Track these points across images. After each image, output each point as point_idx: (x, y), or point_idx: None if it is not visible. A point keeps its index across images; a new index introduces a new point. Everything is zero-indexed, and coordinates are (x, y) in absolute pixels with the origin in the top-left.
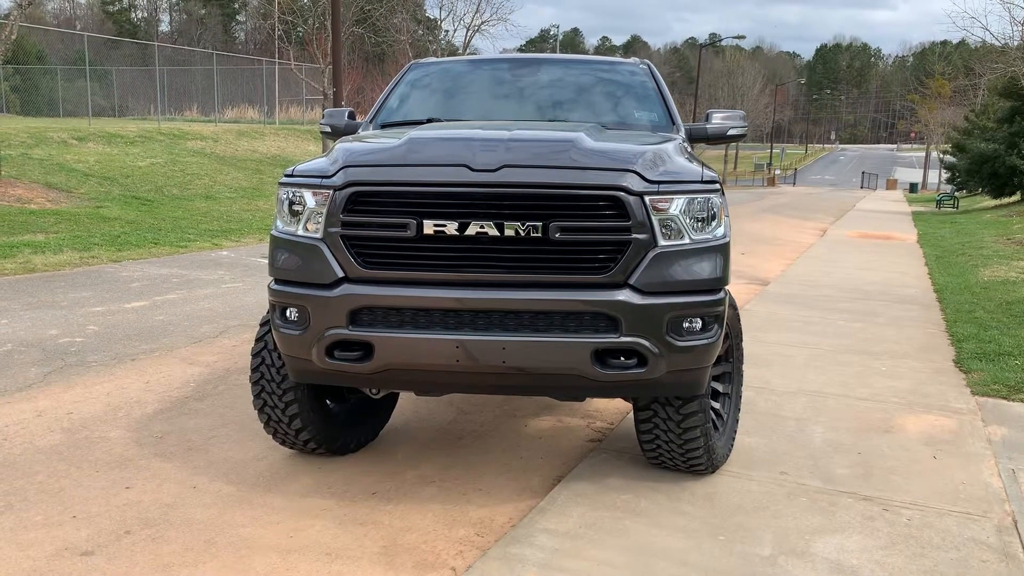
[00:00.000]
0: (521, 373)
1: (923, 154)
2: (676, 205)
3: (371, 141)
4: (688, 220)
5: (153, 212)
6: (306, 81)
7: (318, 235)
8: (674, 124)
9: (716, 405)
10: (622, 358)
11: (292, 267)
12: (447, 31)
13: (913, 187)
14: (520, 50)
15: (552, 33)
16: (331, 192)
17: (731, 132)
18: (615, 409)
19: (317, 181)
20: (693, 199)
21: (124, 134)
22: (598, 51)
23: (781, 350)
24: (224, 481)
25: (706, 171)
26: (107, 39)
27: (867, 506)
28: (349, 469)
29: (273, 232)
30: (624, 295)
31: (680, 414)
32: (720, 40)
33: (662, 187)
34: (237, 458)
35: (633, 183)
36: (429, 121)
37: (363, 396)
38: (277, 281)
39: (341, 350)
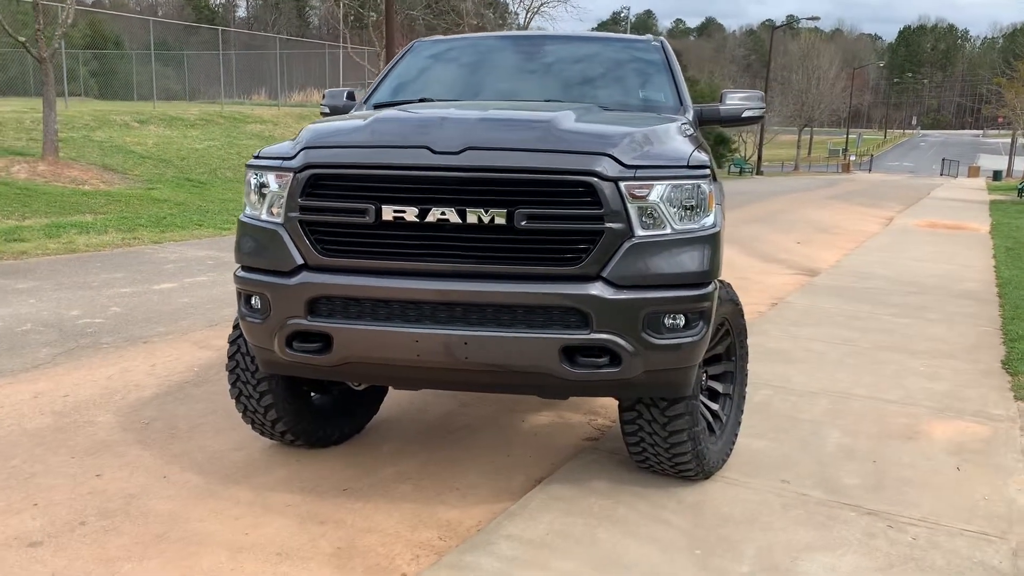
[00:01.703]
0: (485, 370)
1: (1009, 140)
2: (656, 192)
3: (338, 122)
4: (671, 208)
5: (203, 194)
6: (367, 66)
7: (279, 220)
8: (682, 105)
9: (714, 406)
10: (593, 356)
11: (255, 253)
12: (515, 13)
13: (997, 175)
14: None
15: (623, 15)
16: (291, 175)
17: (746, 114)
18: None
19: (279, 163)
20: (677, 185)
21: (185, 117)
22: (671, 34)
23: (814, 346)
24: (196, 471)
25: (696, 155)
26: (182, 24)
27: (870, 521)
28: (326, 463)
29: (240, 217)
30: (595, 289)
31: (665, 416)
32: (797, 22)
33: (639, 172)
34: (217, 448)
35: (607, 168)
36: (421, 101)
37: (347, 387)
38: (243, 268)
39: (300, 341)
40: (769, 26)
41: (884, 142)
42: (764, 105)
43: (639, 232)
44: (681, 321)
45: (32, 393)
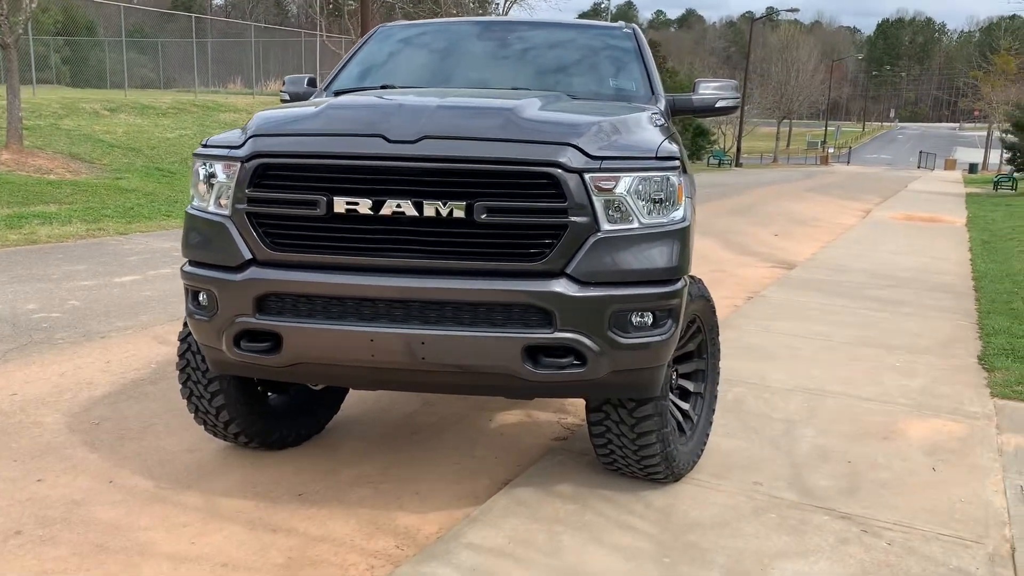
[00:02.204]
0: (444, 371)
1: (985, 133)
2: (623, 185)
3: (291, 109)
4: (638, 201)
5: (173, 184)
6: (341, 54)
7: (227, 212)
8: (653, 94)
9: (685, 406)
10: (557, 356)
11: (202, 247)
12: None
13: (973, 168)
14: None
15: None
16: (239, 164)
17: (720, 104)
18: None
19: (227, 152)
20: (645, 178)
21: (157, 105)
22: (651, 25)
23: (789, 341)
24: (145, 475)
25: (665, 146)
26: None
27: (844, 526)
28: (282, 466)
29: (187, 208)
30: (559, 286)
31: (633, 417)
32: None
33: (605, 164)
34: (169, 449)
35: (571, 159)
36: (383, 88)
37: (304, 387)
38: (190, 263)
39: (248, 340)
40: (749, 18)
41: (862, 134)
42: (739, 95)
43: (605, 226)
44: (649, 319)
45: None
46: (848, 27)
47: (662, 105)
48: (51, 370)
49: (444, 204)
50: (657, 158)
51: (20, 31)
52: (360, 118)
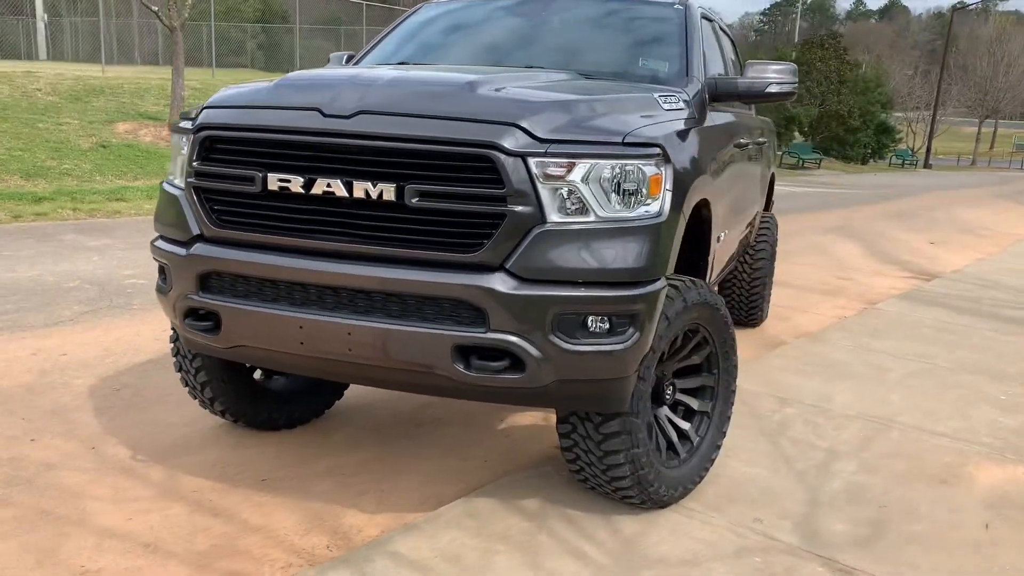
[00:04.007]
0: (372, 366)
1: None
2: (579, 172)
3: (253, 83)
4: (598, 191)
5: None
6: None
7: (182, 186)
8: (688, 75)
9: (684, 425)
10: (490, 359)
11: (163, 221)
12: None
13: None
14: (762, 15)
15: None
16: (192, 136)
17: (771, 90)
18: None
19: (188, 125)
20: (608, 165)
21: None
22: (849, 16)
23: (881, 361)
24: (128, 445)
25: (640, 131)
26: (355, 1)
27: None
28: (264, 448)
29: (162, 182)
30: (493, 281)
31: (599, 433)
32: (994, 4)
33: (554, 148)
34: (168, 421)
35: (512, 140)
36: (399, 65)
37: None
38: (158, 237)
39: (193, 319)
40: (958, 7)
41: None
42: (795, 80)
43: (553, 217)
44: (605, 325)
45: (34, 350)
46: None
47: (694, 88)
48: (111, 335)
49: (374, 185)
50: (624, 143)
51: (185, 15)
52: (305, 91)
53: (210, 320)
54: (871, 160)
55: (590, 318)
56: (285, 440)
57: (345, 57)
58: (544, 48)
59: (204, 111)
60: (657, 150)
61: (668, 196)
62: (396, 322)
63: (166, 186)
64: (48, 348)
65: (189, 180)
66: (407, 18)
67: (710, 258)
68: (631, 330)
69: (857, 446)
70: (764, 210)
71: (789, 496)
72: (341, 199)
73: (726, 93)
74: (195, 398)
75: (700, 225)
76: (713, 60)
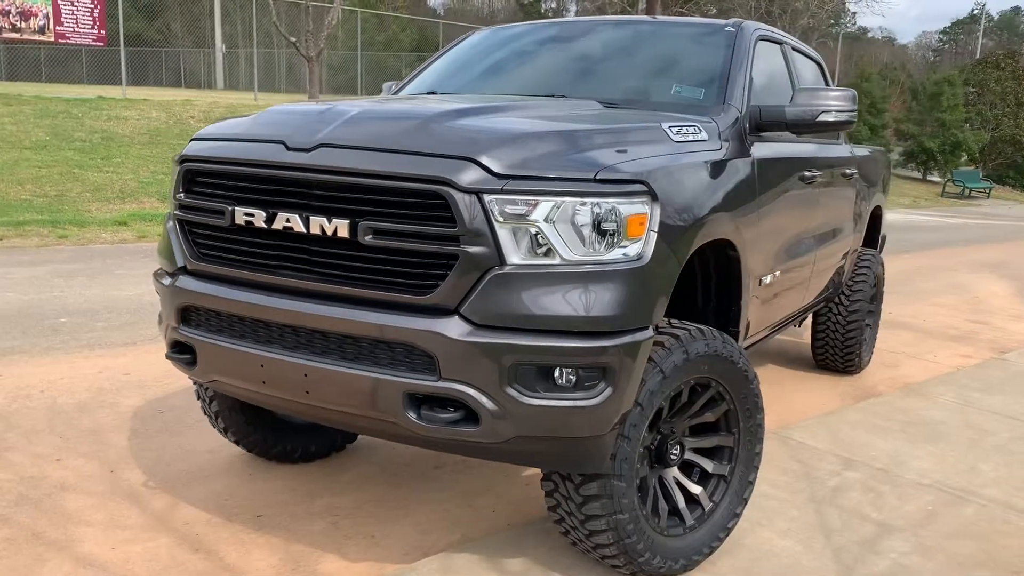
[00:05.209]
0: (330, 409)
1: None
2: (541, 210)
3: (246, 115)
4: (566, 232)
5: None
6: None
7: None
8: (724, 102)
9: (695, 489)
10: (441, 410)
11: (160, 251)
12: None
13: None
14: (942, 33)
15: (975, 13)
16: (177, 168)
17: (824, 118)
18: None
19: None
20: (575, 203)
21: None
22: None
23: (983, 422)
24: (144, 471)
25: (618, 166)
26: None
27: None
28: (272, 482)
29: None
30: (444, 326)
31: (579, 495)
32: None
33: (512, 184)
34: (193, 447)
35: (466, 176)
36: (428, 94)
37: None
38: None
39: (175, 352)
40: None
41: None
42: (854, 108)
43: (513, 259)
44: (572, 378)
45: (102, 368)
46: None
47: (729, 117)
48: None
49: (329, 221)
50: (597, 180)
51: (321, 46)
52: (273, 124)
53: (189, 353)
54: (1001, 184)
55: (556, 370)
56: (298, 473)
57: (394, 87)
58: (576, 76)
59: (191, 143)
60: (639, 187)
61: (653, 237)
62: (350, 365)
63: (168, 218)
64: (115, 367)
65: (175, 212)
66: (454, 45)
67: (742, 303)
68: (601, 384)
69: (918, 521)
70: (865, 247)
71: None
72: (300, 235)
73: (771, 122)
74: (214, 427)
75: (727, 267)
76: (777, 86)
